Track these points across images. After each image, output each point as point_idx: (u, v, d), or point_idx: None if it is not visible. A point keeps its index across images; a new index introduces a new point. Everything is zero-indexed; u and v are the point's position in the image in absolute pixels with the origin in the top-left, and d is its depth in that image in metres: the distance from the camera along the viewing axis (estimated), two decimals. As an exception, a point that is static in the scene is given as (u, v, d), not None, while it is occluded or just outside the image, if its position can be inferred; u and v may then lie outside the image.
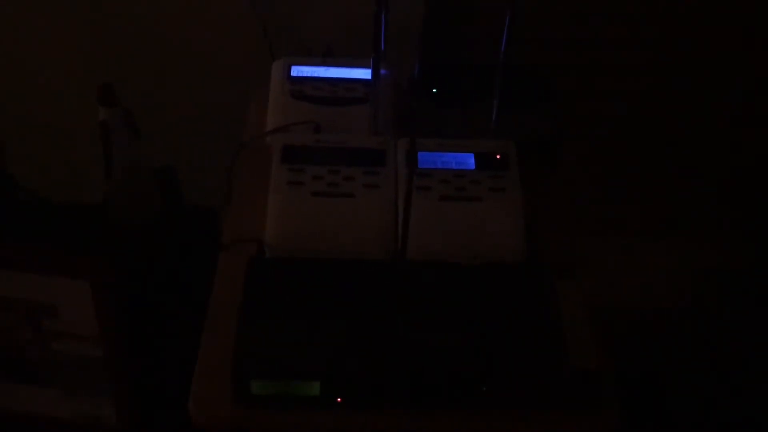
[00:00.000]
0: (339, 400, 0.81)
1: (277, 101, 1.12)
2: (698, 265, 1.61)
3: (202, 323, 0.90)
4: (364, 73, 1.13)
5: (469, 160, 1.01)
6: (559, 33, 1.43)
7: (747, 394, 1.41)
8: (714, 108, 1.52)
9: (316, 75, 1.15)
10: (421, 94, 1.12)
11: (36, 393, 1.08)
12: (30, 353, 1.04)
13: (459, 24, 1.40)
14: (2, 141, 1.22)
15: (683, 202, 1.63)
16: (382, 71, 1.05)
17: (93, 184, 1.19)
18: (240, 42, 1.38)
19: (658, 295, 1.63)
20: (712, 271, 1.61)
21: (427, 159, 1.00)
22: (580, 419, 0.83)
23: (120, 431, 1.06)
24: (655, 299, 1.63)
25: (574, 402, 0.83)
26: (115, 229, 1.14)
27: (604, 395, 0.83)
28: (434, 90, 1.14)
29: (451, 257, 0.93)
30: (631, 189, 1.61)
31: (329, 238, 0.95)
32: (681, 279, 1.62)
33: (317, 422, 0.82)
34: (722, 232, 1.63)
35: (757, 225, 1.63)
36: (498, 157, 1.02)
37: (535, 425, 0.83)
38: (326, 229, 0.95)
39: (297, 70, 1.15)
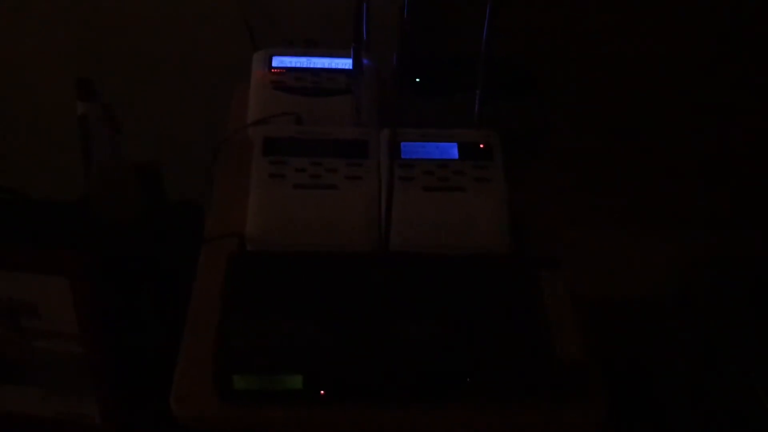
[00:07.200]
0: (322, 393, 0.80)
1: (259, 93, 1.11)
2: (687, 255, 1.61)
3: (184, 319, 0.89)
4: (346, 63, 1.12)
5: (452, 150, 1.00)
6: (543, 22, 1.42)
7: (735, 384, 1.41)
8: (703, 98, 1.52)
9: (297, 65, 1.14)
10: (404, 85, 1.12)
11: (17, 392, 1.06)
12: (10, 352, 1.03)
13: (441, 13, 1.39)
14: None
15: (672, 192, 1.62)
16: (365, 61, 1.04)
17: (73, 181, 1.18)
18: (222, 34, 1.37)
19: (647, 286, 1.63)
20: (702, 261, 1.61)
21: (410, 149, 1.00)
22: (566, 409, 0.82)
23: (103, 429, 1.05)
24: (644, 290, 1.63)
25: (560, 392, 0.82)
26: (96, 226, 1.13)
27: (590, 385, 0.83)
28: (417, 80, 1.13)
29: (434, 248, 0.93)
30: (618, 180, 1.61)
31: (312, 230, 0.94)
32: (670, 269, 1.62)
33: (301, 416, 0.81)
34: (711, 222, 1.63)
35: (746, 216, 1.63)
36: (482, 146, 1.01)
37: (520, 417, 0.82)
38: (309, 221, 0.94)
39: (278, 61, 1.14)
